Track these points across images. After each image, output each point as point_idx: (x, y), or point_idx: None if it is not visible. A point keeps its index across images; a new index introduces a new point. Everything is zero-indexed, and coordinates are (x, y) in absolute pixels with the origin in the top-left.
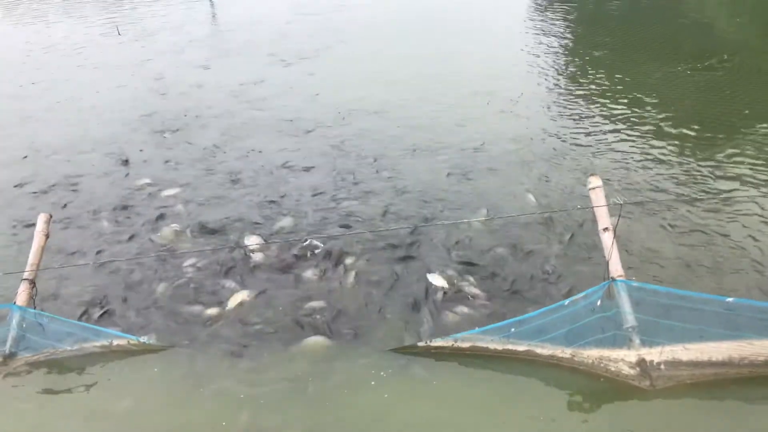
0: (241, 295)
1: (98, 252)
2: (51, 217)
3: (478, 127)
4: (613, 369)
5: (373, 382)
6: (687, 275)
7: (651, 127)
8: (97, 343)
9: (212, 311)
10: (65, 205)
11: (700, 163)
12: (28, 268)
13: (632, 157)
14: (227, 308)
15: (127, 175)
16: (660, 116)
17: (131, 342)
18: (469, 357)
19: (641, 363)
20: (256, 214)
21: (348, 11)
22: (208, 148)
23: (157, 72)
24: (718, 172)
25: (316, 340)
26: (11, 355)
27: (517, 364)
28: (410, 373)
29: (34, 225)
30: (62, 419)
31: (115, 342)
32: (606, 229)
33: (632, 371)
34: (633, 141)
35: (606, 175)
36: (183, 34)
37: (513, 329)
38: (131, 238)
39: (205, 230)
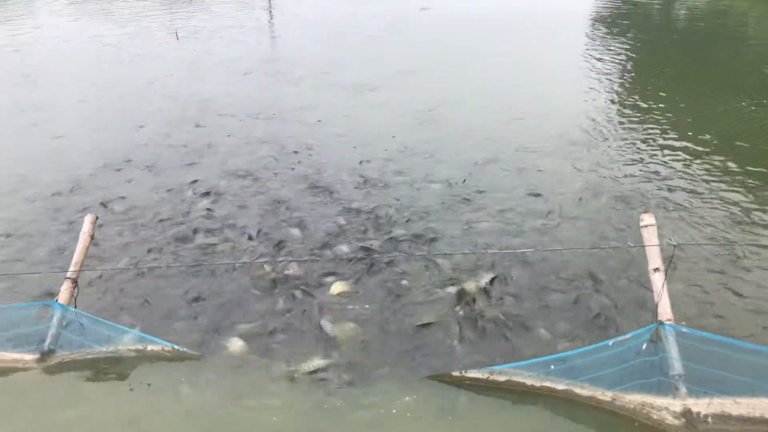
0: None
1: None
2: (97, 218)
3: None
4: (655, 417)
5: (403, 411)
6: (741, 325)
7: (711, 166)
8: (132, 347)
9: (247, 326)
10: None
11: (763, 207)
12: (71, 267)
13: (690, 196)
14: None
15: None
16: (721, 154)
17: (165, 348)
18: (504, 391)
19: (687, 414)
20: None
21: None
22: None
23: None
24: None
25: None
26: (49, 352)
27: (555, 403)
28: (441, 402)
29: None
30: (94, 419)
31: (150, 347)
32: (657, 269)
33: (677, 421)
34: (692, 179)
35: (660, 213)
36: None
37: (553, 366)
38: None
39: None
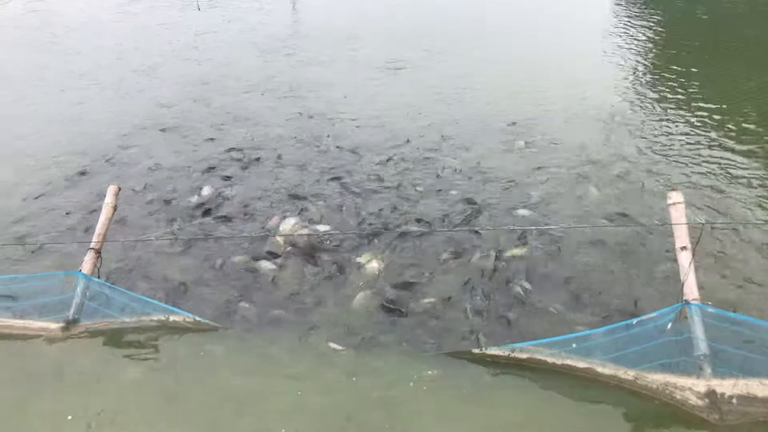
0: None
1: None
2: (120, 189)
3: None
4: (678, 397)
5: (421, 386)
6: None
7: (742, 143)
8: (155, 317)
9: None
10: None
11: None
12: (95, 238)
13: (719, 174)
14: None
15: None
16: (753, 131)
17: (187, 319)
18: (525, 368)
19: (711, 394)
20: None
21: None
22: None
23: None
24: None
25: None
26: (74, 321)
27: (575, 382)
28: (461, 379)
29: None
30: (116, 388)
31: (172, 318)
32: (684, 248)
33: (700, 402)
34: (721, 156)
35: (689, 191)
36: None
37: (574, 345)
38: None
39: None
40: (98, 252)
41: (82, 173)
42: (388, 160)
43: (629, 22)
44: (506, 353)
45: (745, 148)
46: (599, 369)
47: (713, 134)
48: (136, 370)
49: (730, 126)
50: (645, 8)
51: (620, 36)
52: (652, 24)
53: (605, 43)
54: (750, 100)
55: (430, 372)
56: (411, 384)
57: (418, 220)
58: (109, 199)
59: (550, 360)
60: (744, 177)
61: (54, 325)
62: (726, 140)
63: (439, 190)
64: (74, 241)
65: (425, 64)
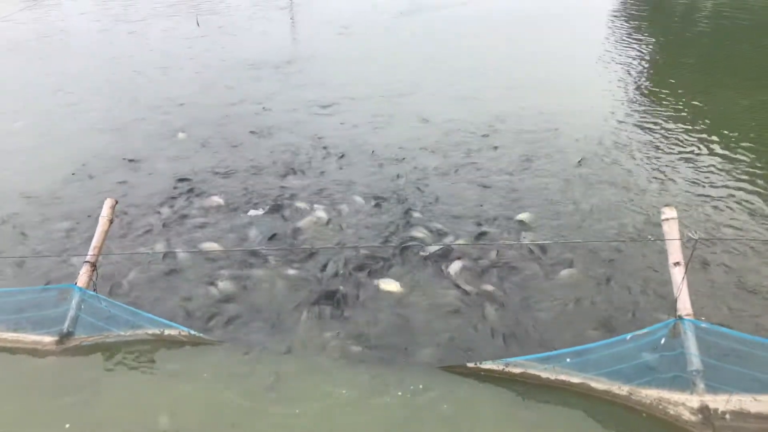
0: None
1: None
2: (116, 203)
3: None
4: (672, 413)
5: (416, 400)
6: (762, 322)
7: (735, 159)
8: (149, 331)
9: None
10: None
11: None
12: (90, 251)
13: (712, 190)
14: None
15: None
16: (745, 148)
17: (182, 333)
18: (519, 383)
19: (704, 410)
20: None
21: None
22: None
23: None
24: None
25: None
26: (68, 334)
27: (569, 397)
28: (456, 392)
29: None
30: (108, 400)
31: (167, 331)
32: (677, 263)
33: (693, 417)
34: (714, 172)
35: (683, 208)
36: None
37: (569, 359)
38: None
39: None
40: (94, 265)
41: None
42: None
43: (626, 36)
44: (500, 367)
45: (738, 164)
46: (593, 384)
47: (708, 151)
48: (131, 384)
49: (725, 143)
50: (641, 29)
51: (617, 55)
52: (650, 43)
53: (601, 60)
54: (745, 118)
55: (422, 386)
56: (405, 398)
57: None
58: (105, 212)
59: (544, 375)
60: (738, 193)
61: (48, 339)
62: (720, 157)
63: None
64: (70, 255)
65: None
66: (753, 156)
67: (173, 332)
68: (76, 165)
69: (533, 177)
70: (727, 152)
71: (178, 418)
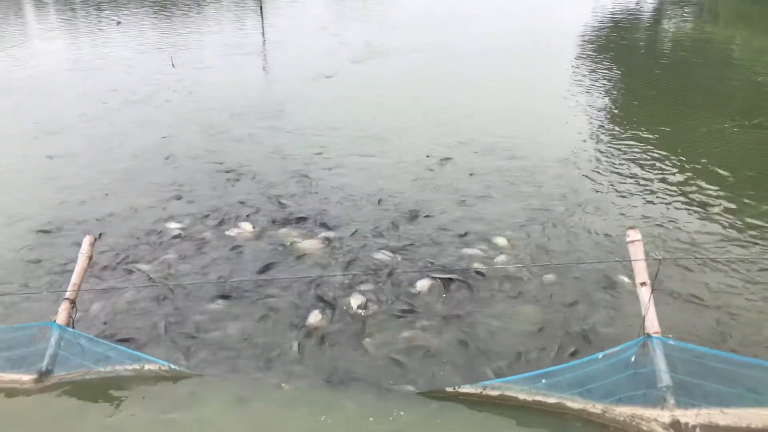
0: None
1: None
2: (96, 239)
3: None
4: (645, 428)
5: (397, 427)
6: (726, 337)
7: (694, 184)
8: (130, 367)
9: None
10: None
11: (745, 221)
12: (70, 288)
13: (673, 213)
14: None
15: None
16: (704, 173)
17: (162, 368)
18: (497, 406)
19: (675, 424)
20: None
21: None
22: None
23: None
24: (765, 233)
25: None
26: (47, 373)
27: (546, 417)
28: (434, 418)
29: None
30: None
31: (147, 366)
32: (643, 283)
33: None
34: (675, 196)
35: (646, 230)
36: None
37: (544, 380)
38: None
39: None
40: (73, 302)
41: None
42: None
43: (590, 68)
44: (478, 390)
45: (697, 188)
46: (568, 403)
47: (669, 176)
48: (111, 421)
49: (684, 168)
50: (605, 64)
51: (580, 84)
52: (613, 76)
53: (565, 91)
54: (702, 145)
55: (402, 413)
56: (386, 424)
57: None
58: (84, 249)
59: (521, 396)
60: (695, 214)
61: (27, 377)
62: (680, 182)
63: None
64: (48, 291)
65: None
66: (709, 179)
67: (153, 367)
68: None
69: (499, 203)
70: (686, 176)
71: None
